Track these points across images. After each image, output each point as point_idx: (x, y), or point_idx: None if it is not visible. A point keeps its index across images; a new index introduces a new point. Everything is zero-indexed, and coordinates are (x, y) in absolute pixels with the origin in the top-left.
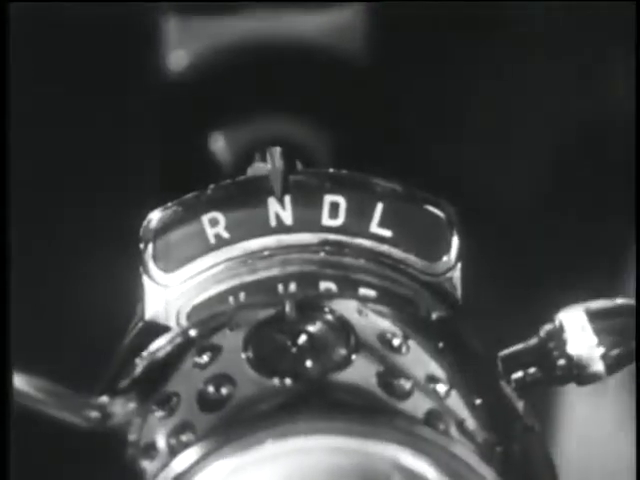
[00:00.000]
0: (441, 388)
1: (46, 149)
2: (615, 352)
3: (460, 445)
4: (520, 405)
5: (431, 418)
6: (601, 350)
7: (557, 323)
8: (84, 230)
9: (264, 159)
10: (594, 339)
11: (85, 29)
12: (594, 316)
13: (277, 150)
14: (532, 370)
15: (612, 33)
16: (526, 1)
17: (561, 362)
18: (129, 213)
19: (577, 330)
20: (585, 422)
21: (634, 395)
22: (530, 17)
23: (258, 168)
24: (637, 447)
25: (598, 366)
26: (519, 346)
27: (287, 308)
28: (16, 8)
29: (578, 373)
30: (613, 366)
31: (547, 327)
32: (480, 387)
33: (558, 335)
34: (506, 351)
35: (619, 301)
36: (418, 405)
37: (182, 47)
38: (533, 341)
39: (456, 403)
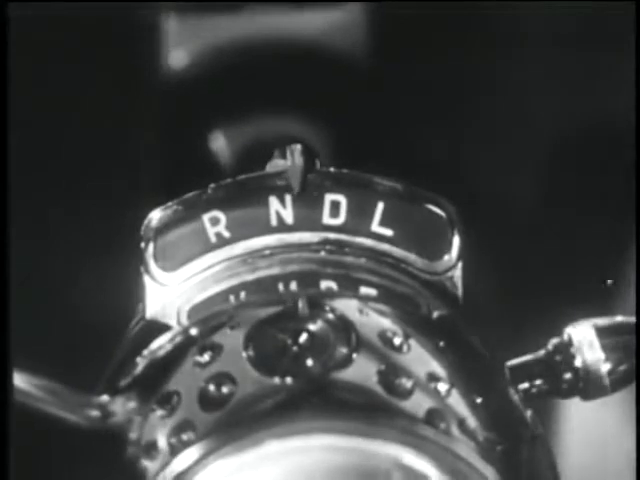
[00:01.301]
0: (442, 387)
1: (46, 149)
2: (621, 368)
3: (461, 444)
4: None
5: (432, 417)
6: (608, 366)
7: (565, 337)
8: (85, 229)
9: (284, 156)
10: (602, 355)
11: (85, 29)
12: (602, 332)
13: (297, 147)
14: (538, 382)
15: (612, 33)
16: (527, 1)
17: (567, 375)
18: (130, 212)
19: (585, 345)
20: (586, 423)
21: (635, 397)
22: (530, 17)
23: (277, 164)
24: (637, 449)
25: (604, 381)
26: (527, 357)
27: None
28: (16, 8)
29: (584, 387)
30: (618, 382)
31: (555, 340)
32: (481, 386)
33: (566, 349)
34: (513, 361)
35: (625, 319)
36: (419, 404)
37: (182, 46)
38: (541, 353)
39: (457, 402)
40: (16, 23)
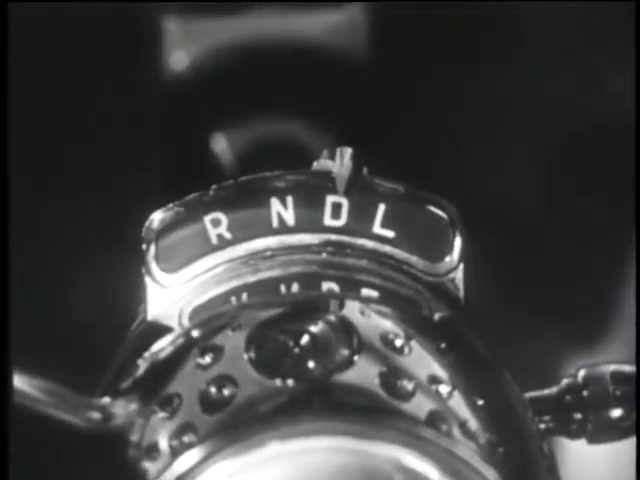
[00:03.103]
0: (443, 389)
1: (47, 150)
2: (632, 417)
3: (462, 446)
4: (523, 408)
5: (433, 419)
6: (618, 413)
7: (579, 379)
8: (86, 231)
9: (332, 157)
10: (614, 401)
11: (86, 30)
12: (617, 380)
13: (348, 151)
14: (546, 418)
15: (612, 33)
16: (527, 1)
17: (577, 416)
18: (131, 214)
19: (598, 390)
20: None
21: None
22: (530, 17)
23: (324, 164)
24: (637, 448)
25: (613, 428)
26: (538, 392)
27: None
28: (16, 8)
29: (592, 431)
30: (626, 431)
31: (568, 380)
32: (482, 388)
33: (578, 391)
34: (525, 396)
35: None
36: (420, 406)
37: (183, 48)
38: (553, 390)
39: (458, 404)
40: (16, 23)
